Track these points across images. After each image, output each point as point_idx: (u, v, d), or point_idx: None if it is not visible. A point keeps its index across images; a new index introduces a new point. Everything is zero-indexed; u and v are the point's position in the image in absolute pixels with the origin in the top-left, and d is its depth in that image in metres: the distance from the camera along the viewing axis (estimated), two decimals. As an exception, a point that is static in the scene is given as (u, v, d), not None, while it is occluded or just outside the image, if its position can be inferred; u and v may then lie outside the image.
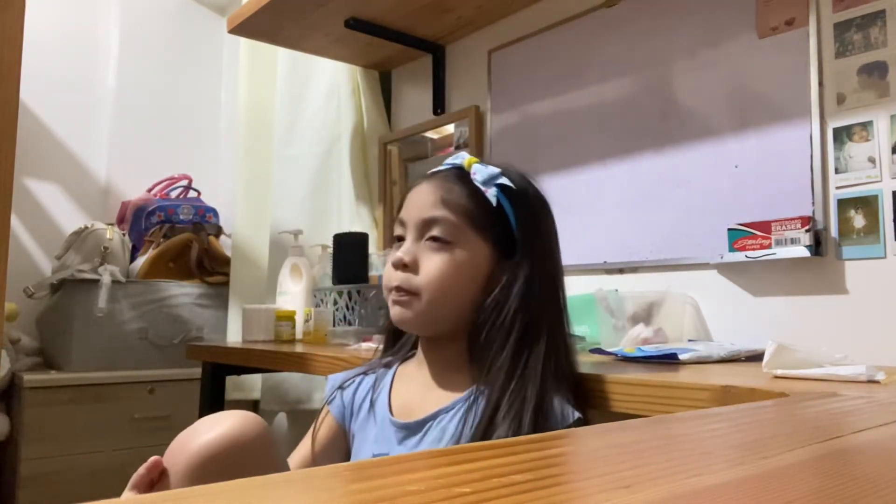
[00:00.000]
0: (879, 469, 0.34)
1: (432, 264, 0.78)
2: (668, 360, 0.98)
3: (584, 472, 0.30)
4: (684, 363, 0.96)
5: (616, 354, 1.07)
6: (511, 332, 0.77)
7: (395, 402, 0.85)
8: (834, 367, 0.78)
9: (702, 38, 1.33)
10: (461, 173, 0.82)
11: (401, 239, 0.83)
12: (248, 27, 1.83)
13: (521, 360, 0.77)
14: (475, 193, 0.80)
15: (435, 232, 0.79)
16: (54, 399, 1.96)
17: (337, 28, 1.82)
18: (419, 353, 0.88)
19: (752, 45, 1.25)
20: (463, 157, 0.84)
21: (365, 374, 0.91)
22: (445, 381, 0.83)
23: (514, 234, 0.81)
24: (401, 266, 0.80)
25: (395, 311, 0.81)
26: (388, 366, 0.91)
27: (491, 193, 0.79)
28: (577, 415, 0.75)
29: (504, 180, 0.81)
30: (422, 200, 0.81)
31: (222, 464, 0.64)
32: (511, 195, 0.81)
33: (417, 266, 0.79)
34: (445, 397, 0.80)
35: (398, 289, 0.80)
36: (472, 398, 0.76)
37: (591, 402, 0.81)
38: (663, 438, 0.40)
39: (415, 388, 0.85)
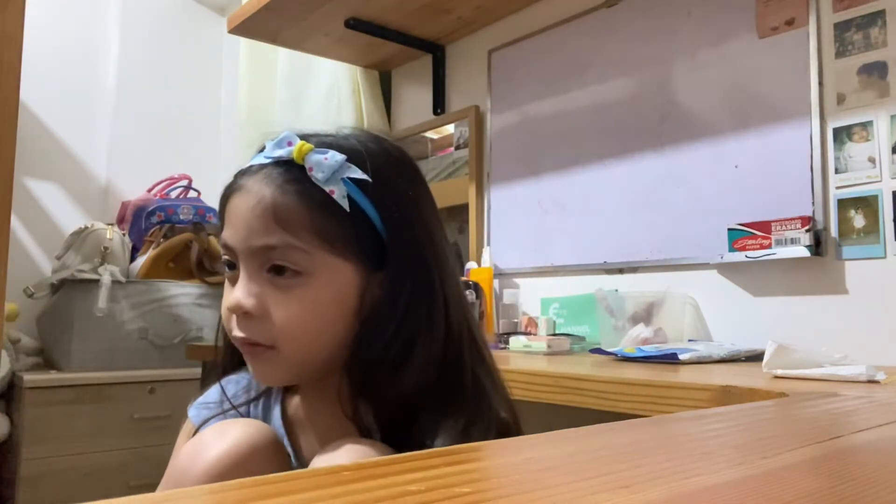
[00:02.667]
0: (879, 469, 0.34)
1: (285, 309, 0.58)
2: (668, 360, 0.98)
3: (583, 472, 0.30)
4: (684, 363, 0.96)
5: (616, 354, 1.07)
6: (404, 360, 0.59)
7: (307, 456, 0.65)
8: (834, 367, 0.78)
9: (702, 38, 1.33)
10: (293, 172, 0.59)
11: (231, 265, 0.61)
12: (248, 27, 1.83)
13: (428, 393, 0.59)
14: (318, 197, 0.58)
15: (277, 263, 0.58)
16: (54, 399, 1.96)
17: (337, 28, 1.82)
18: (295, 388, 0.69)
19: (752, 45, 1.25)
20: (292, 143, 0.60)
21: (247, 404, 0.69)
22: (336, 427, 0.63)
23: (380, 234, 0.60)
24: (242, 314, 0.59)
25: (257, 370, 0.61)
26: (263, 397, 0.70)
27: (339, 195, 0.58)
28: None
29: (354, 171, 0.59)
30: (247, 219, 0.58)
31: (236, 478, 0.55)
32: (367, 188, 0.59)
33: (266, 311, 0.58)
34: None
35: (248, 343, 0.60)
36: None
37: (591, 402, 0.81)
38: (663, 438, 0.40)
39: (314, 439, 0.66)
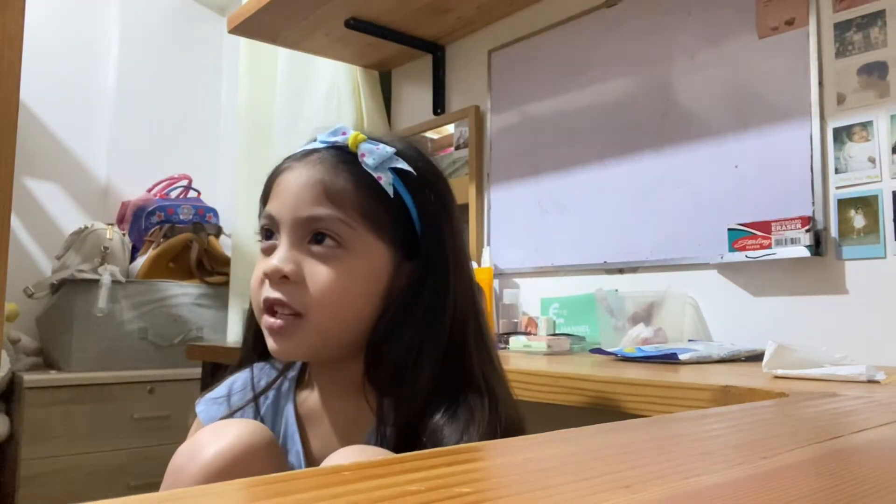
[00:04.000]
0: (879, 469, 0.34)
1: (322, 276, 0.61)
2: (668, 360, 0.98)
3: (583, 472, 0.30)
4: (684, 363, 0.96)
5: (616, 354, 1.07)
6: (422, 352, 0.62)
7: (316, 450, 0.67)
8: (834, 367, 0.78)
9: (702, 38, 1.33)
10: (345, 155, 0.65)
11: (269, 235, 0.66)
12: (248, 27, 1.83)
13: (438, 388, 0.62)
14: (366, 181, 0.63)
15: (321, 231, 0.62)
16: (54, 399, 1.96)
17: (337, 28, 1.82)
18: (310, 369, 0.72)
19: (752, 45, 1.25)
20: (346, 132, 0.66)
21: (255, 399, 0.71)
22: (347, 413, 0.67)
23: (416, 227, 0.65)
24: (278, 278, 0.62)
25: (276, 342, 0.63)
26: (275, 385, 0.72)
27: (386, 181, 0.63)
28: None
29: (401, 163, 0.64)
30: (298, 192, 0.63)
31: (232, 478, 0.56)
32: (410, 180, 0.65)
33: (302, 277, 0.62)
34: (355, 438, 0.65)
35: (279, 305, 0.62)
36: (377, 438, 0.62)
37: (591, 401, 0.81)
38: (663, 438, 0.40)
39: (326, 430, 0.67)
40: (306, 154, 0.66)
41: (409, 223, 0.65)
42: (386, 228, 0.64)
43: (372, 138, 0.66)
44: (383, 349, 0.63)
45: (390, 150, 0.64)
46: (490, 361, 0.66)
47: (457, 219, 0.68)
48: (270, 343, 0.63)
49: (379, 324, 0.64)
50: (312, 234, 0.63)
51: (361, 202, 0.63)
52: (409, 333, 0.62)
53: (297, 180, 0.64)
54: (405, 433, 0.61)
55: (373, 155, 0.64)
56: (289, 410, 0.69)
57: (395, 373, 0.62)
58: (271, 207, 0.65)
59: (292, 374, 0.72)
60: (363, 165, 0.63)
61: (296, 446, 0.67)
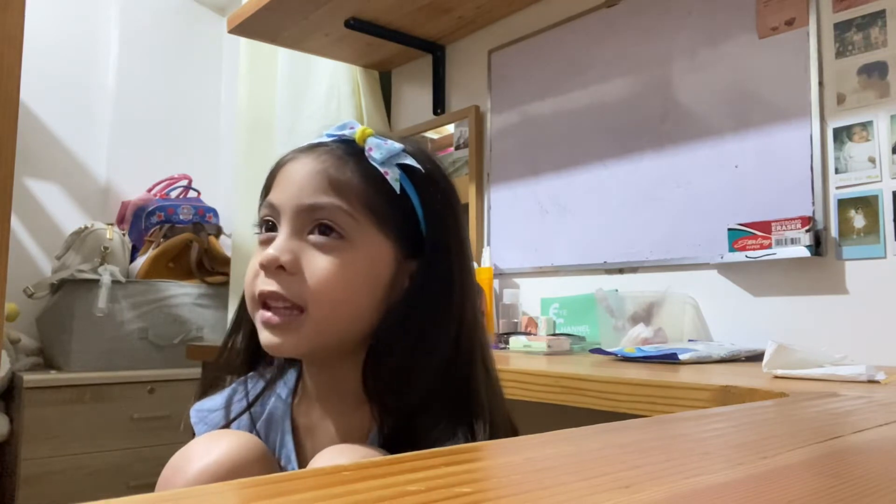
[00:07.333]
0: (879, 469, 0.34)
1: (322, 267, 0.59)
2: (668, 360, 0.98)
3: (584, 472, 0.30)
4: (684, 363, 0.96)
5: (616, 354, 1.07)
6: (423, 353, 0.60)
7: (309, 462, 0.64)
8: (834, 367, 0.78)
9: (702, 38, 1.33)
10: (352, 148, 0.63)
11: (269, 227, 0.63)
12: (248, 27, 1.83)
13: (438, 390, 0.60)
14: (372, 175, 0.61)
15: (323, 222, 0.60)
16: (54, 399, 1.96)
17: (337, 28, 1.82)
18: (305, 377, 0.68)
19: (752, 45, 1.25)
20: (354, 127, 0.64)
21: (249, 407, 0.68)
22: (346, 420, 0.64)
23: (421, 226, 0.63)
24: (274, 268, 0.59)
25: (270, 336, 0.60)
26: (271, 398, 0.69)
27: (393, 177, 0.61)
28: None
29: (409, 160, 0.62)
30: (302, 180, 0.61)
31: None
32: (417, 178, 0.63)
33: (300, 268, 0.59)
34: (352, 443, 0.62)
35: (274, 298, 0.59)
36: (376, 443, 0.60)
37: (591, 402, 0.81)
38: (663, 438, 0.40)
39: (324, 444, 0.62)
40: (313, 147, 0.64)
41: (414, 222, 0.62)
42: (390, 224, 0.61)
43: (381, 135, 0.64)
44: (382, 351, 0.60)
45: (398, 146, 0.62)
46: (491, 380, 0.64)
47: (462, 223, 0.66)
48: (266, 337, 0.60)
49: (380, 324, 0.61)
50: (314, 225, 0.60)
51: (366, 195, 0.60)
52: (409, 337, 0.60)
53: (302, 170, 0.61)
54: (397, 443, 0.58)
55: (380, 150, 0.61)
56: (285, 425, 0.67)
57: (391, 377, 0.60)
58: (273, 196, 0.62)
59: (286, 387, 0.69)
60: (370, 160, 0.61)
61: (291, 464, 0.65)
